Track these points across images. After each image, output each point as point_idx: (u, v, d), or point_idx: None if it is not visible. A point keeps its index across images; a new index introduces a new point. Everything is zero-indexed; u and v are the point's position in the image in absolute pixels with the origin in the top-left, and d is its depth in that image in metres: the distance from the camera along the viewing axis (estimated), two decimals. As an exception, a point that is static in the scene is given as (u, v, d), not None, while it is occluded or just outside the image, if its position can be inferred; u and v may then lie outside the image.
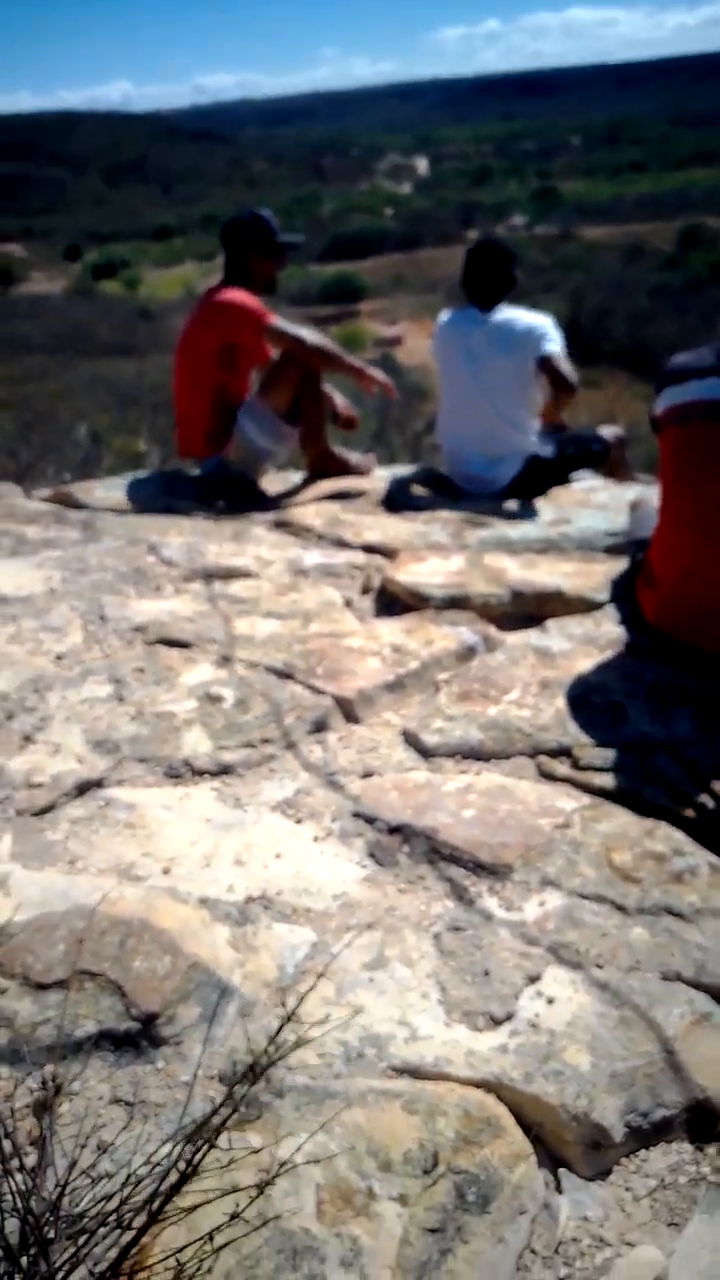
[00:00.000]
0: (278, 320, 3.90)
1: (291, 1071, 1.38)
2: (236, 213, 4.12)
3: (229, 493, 3.93)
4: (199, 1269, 1.07)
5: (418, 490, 3.94)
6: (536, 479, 3.82)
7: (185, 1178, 1.09)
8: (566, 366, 3.69)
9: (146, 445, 7.74)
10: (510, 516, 3.55)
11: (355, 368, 4.06)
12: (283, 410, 4.00)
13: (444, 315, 3.95)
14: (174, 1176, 1.09)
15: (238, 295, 3.90)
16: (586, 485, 3.85)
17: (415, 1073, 1.41)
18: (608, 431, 4.14)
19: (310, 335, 3.97)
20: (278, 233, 4.01)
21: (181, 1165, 1.09)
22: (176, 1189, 1.09)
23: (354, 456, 4.24)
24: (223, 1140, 1.18)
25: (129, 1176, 1.10)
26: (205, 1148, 1.11)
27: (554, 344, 3.68)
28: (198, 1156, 1.10)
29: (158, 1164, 1.11)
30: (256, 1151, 1.20)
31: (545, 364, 3.66)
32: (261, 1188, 1.11)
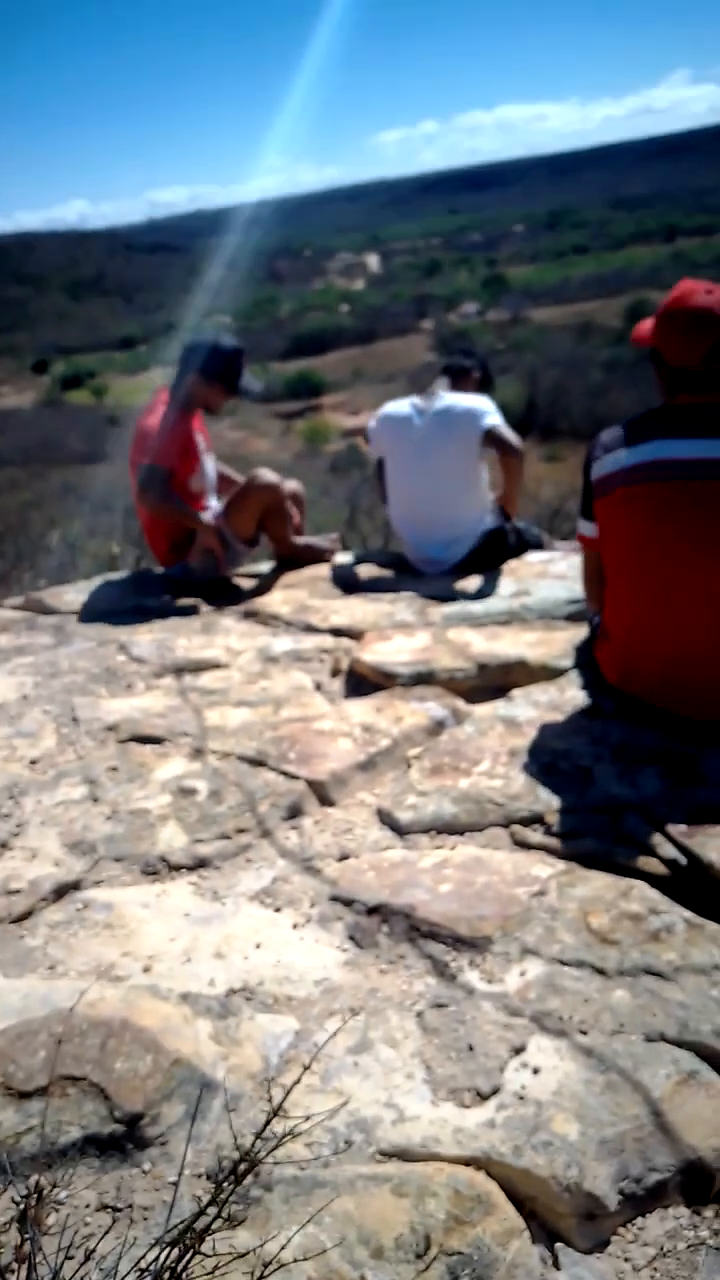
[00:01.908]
0: (151, 475, 3.84)
1: (279, 1164, 1.36)
2: (198, 334, 4.14)
3: (198, 588, 3.98)
4: None
5: (381, 572, 4.01)
6: (492, 552, 3.90)
7: (172, 1285, 1.07)
8: (509, 434, 3.80)
9: (120, 548, 7.80)
10: (472, 592, 3.61)
11: (193, 522, 4.00)
12: (245, 536, 4.08)
13: (385, 408, 4.05)
14: (162, 1283, 1.07)
15: (151, 427, 3.92)
16: (544, 557, 3.92)
17: (404, 1155, 1.39)
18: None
19: (160, 502, 3.90)
20: (226, 369, 4.01)
21: (166, 1275, 1.08)
22: (164, 1296, 1.07)
23: (320, 541, 4.31)
24: (217, 1236, 1.17)
25: (117, 1285, 1.08)
26: (190, 1254, 1.10)
27: (493, 417, 3.80)
28: (182, 1263, 1.08)
29: (146, 1269, 1.09)
30: (243, 1255, 1.17)
31: (489, 436, 3.77)
32: (251, 1287, 1.09)
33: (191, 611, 3.75)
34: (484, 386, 4.18)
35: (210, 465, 4.21)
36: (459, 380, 4.08)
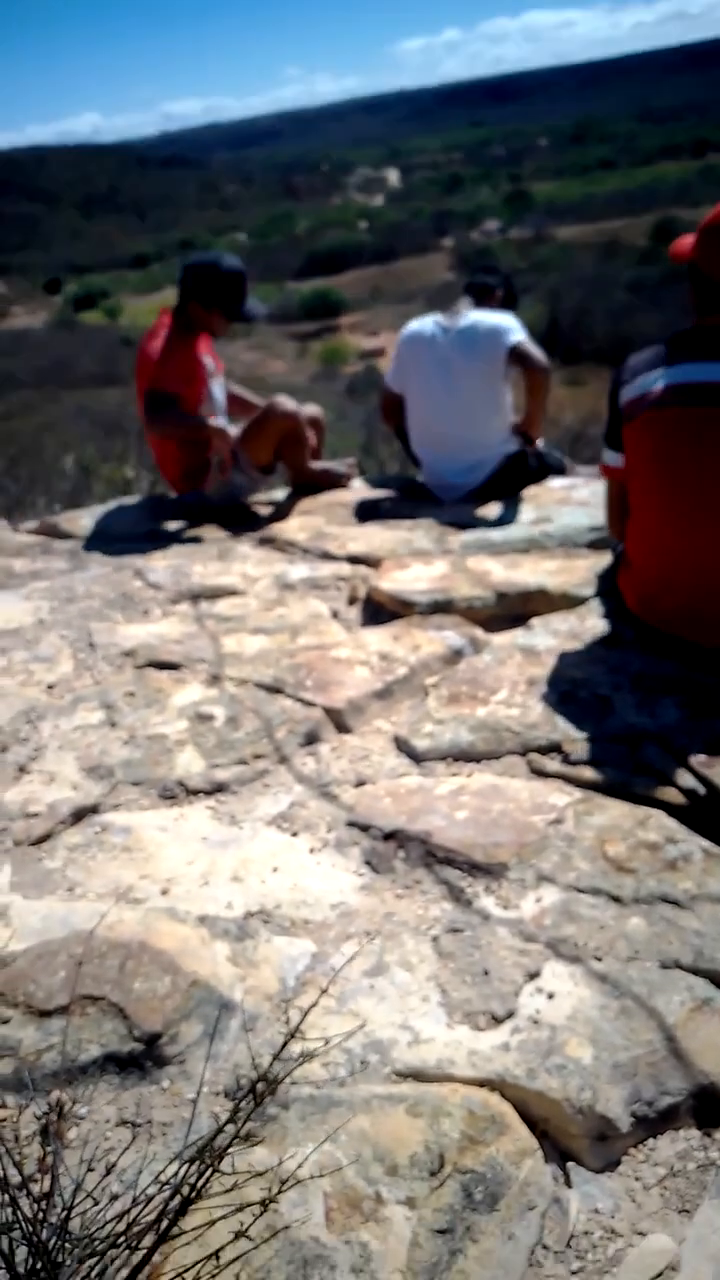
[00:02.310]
0: (157, 398, 3.77)
1: (296, 1084, 1.39)
2: (198, 255, 4.03)
3: (214, 515, 3.94)
4: (210, 1285, 1.08)
5: (401, 498, 3.96)
6: (513, 477, 3.84)
7: (189, 1200, 1.09)
8: (535, 350, 3.72)
9: (134, 471, 7.75)
10: (492, 519, 3.56)
11: (203, 432, 3.92)
12: (262, 463, 4.01)
13: (409, 327, 3.96)
14: (179, 1199, 1.09)
15: (153, 351, 3.83)
16: (566, 483, 3.86)
17: (419, 1076, 1.41)
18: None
19: (172, 424, 3.84)
20: (228, 293, 3.90)
21: (185, 1189, 1.10)
22: (182, 1211, 1.09)
23: (336, 465, 4.25)
24: (235, 1153, 1.19)
25: (137, 1197, 1.10)
26: (209, 1171, 1.11)
27: (518, 334, 3.72)
28: (201, 1180, 1.10)
29: (166, 1183, 1.11)
30: (262, 1174, 1.20)
31: (514, 353, 3.69)
32: (265, 1204, 1.11)
33: (207, 538, 3.72)
34: (508, 305, 4.08)
35: (219, 389, 4.11)
36: (483, 299, 3.98)
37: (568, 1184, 1.33)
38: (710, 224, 2.25)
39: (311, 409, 4.25)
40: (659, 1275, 1.21)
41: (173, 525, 3.87)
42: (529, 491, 3.81)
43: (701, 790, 1.98)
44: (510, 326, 3.73)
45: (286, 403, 4.00)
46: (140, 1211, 1.09)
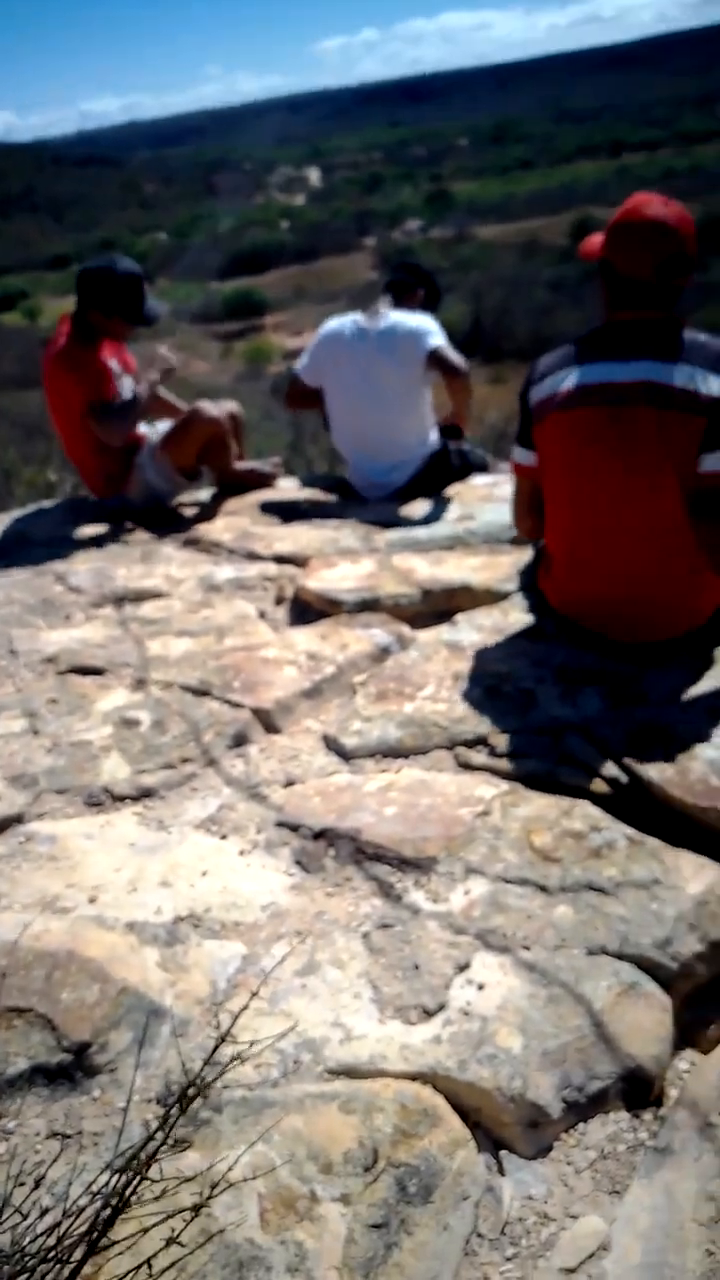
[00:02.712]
0: (101, 409, 3.75)
1: (228, 1087, 1.38)
2: (93, 261, 3.88)
3: (137, 517, 3.90)
4: (144, 1294, 1.07)
5: (325, 497, 3.96)
6: (437, 475, 3.87)
7: (118, 1210, 1.08)
8: (453, 355, 3.74)
9: (57, 475, 7.63)
10: (417, 518, 3.58)
11: (149, 406, 3.97)
12: (185, 467, 3.97)
13: (327, 326, 3.94)
14: (109, 1209, 1.08)
15: (71, 362, 3.75)
16: (489, 480, 3.90)
17: (351, 1073, 1.42)
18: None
19: (118, 431, 3.81)
20: (125, 297, 3.79)
21: (114, 1199, 1.09)
22: (111, 1221, 1.08)
23: (262, 465, 4.23)
24: (166, 1159, 1.18)
25: (68, 1209, 1.09)
26: (137, 1180, 1.10)
27: (437, 337, 3.73)
28: (129, 1189, 1.09)
29: (97, 1194, 1.10)
30: (192, 1179, 1.19)
31: (433, 358, 3.71)
32: (197, 1209, 1.11)
33: (130, 540, 3.68)
34: (430, 302, 4.09)
35: (128, 390, 4.04)
36: (403, 298, 3.99)
37: (501, 1172, 1.34)
38: (619, 221, 2.29)
39: (229, 405, 4.21)
40: (591, 1256, 1.23)
41: (95, 528, 3.82)
42: (453, 489, 3.84)
43: (624, 779, 2.01)
44: (428, 329, 3.74)
45: (210, 408, 3.96)
46: (71, 1224, 1.07)
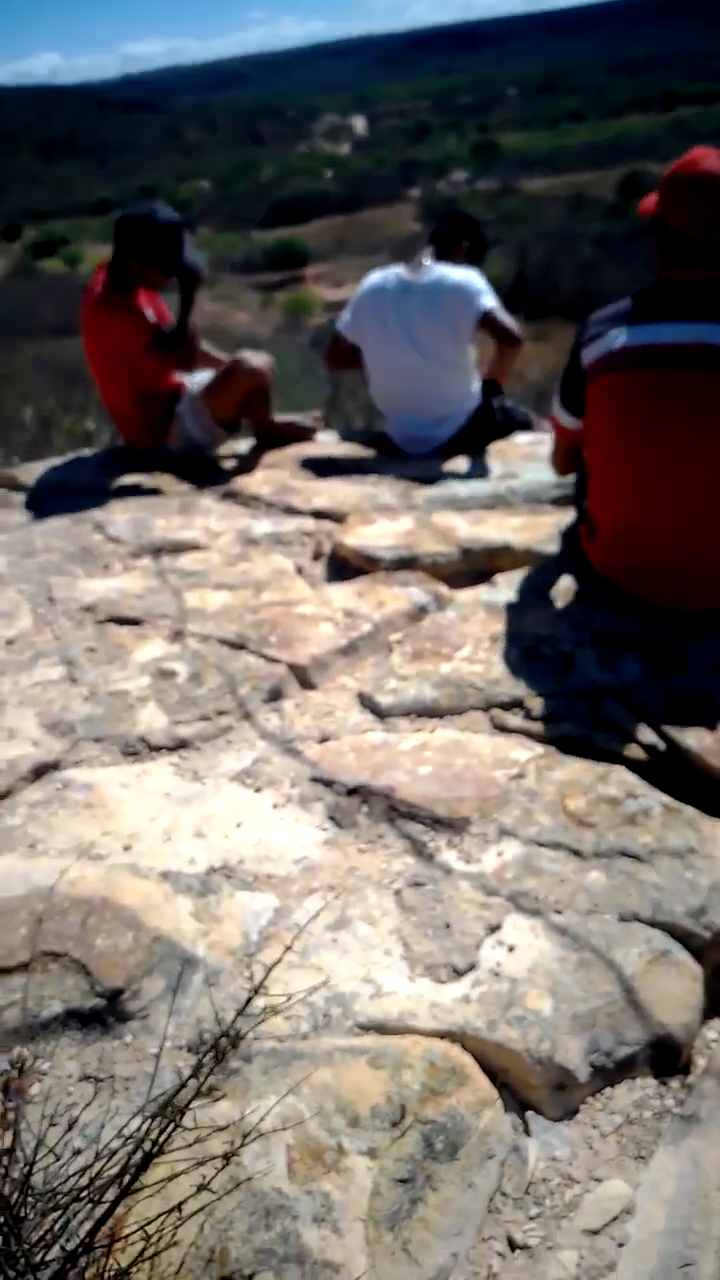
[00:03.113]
0: (159, 340, 3.71)
1: (259, 1038, 1.39)
2: (133, 208, 3.82)
3: (176, 468, 3.89)
4: (172, 1237, 1.08)
5: (364, 452, 3.92)
6: (479, 432, 3.81)
7: (151, 1155, 1.09)
8: (507, 319, 3.67)
9: (95, 424, 7.63)
10: (457, 475, 3.54)
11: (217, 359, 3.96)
12: (225, 419, 3.94)
13: (369, 279, 3.86)
14: (142, 1154, 1.09)
15: (118, 319, 3.71)
16: (532, 438, 3.85)
17: (380, 1028, 1.42)
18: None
19: (179, 355, 3.76)
20: (167, 245, 3.71)
21: (148, 1144, 1.10)
22: (144, 1166, 1.10)
23: (301, 419, 4.20)
24: (195, 1108, 1.19)
25: (100, 1152, 1.10)
26: (172, 1126, 1.12)
27: (489, 297, 3.65)
28: (164, 1135, 1.11)
29: (129, 1138, 1.12)
30: (224, 1128, 1.20)
31: (486, 320, 3.64)
32: (228, 1157, 1.12)
33: (169, 491, 3.67)
34: (476, 255, 3.99)
35: None
36: (448, 250, 3.90)
37: (526, 1133, 1.35)
38: (672, 176, 2.23)
39: (262, 358, 4.15)
40: (614, 1219, 1.24)
41: (133, 478, 3.81)
42: (495, 447, 3.79)
43: (661, 746, 1.99)
44: (478, 288, 3.64)
45: (253, 359, 3.92)
46: (103, 1166, 1.09)
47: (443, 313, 3.63)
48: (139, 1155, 1.10)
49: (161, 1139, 1.08)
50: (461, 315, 3.62)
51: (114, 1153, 1.10)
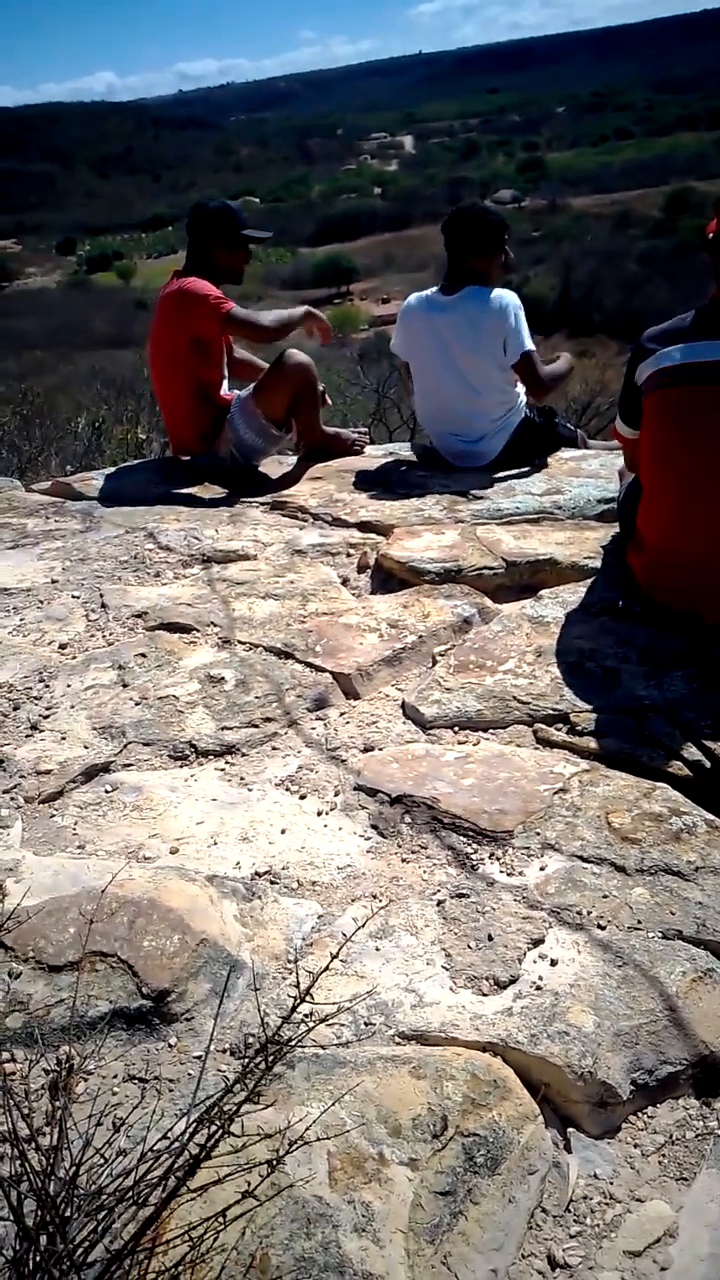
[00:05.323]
0: (236, 309, 3.79)
1: (302, 1045, 1.40)
2: (203, 200, 4.01)
3: (225, 478, 3.93)
4: (214, 1241, 1.09)
5: (412, 466, 3.94)
6: (525, 447, 3.80)
7: (198, 1160, 1.10)
8: (542, 369, 3.65)
9: (146, 434, 7.73)
10: (503, 488, 3.54)
11: (304, 320, 3.99)
12: (275, 417, 3.97)
13: (410, 301, 3.86)
14: (188, 1157, 1.10)
15: (196, 285, 3.79)
16: (577, 454, 3.84)
17: (422, 1038, 1.42)
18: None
19: (267, 318, 3.86)
20: (245, 225, 3.91)
21: (194, 1149, 1.11)
22: (192, 1170, 1.10)
23: (349, 433, 4.23)
24: (242, 1115, 1.20)
25: (145, 1154, 1.11)
26: (220, 1132, 1.12)
27: (524, 341, 3.60)
28: (211, 1141, 1.11)
29: (174, 1140, 1.12)
30: (269, 1136, 1.21)
31: (523, 363, 3.63)
32: (273, 1165, 1.12)
33: (219, 502, 3.71)
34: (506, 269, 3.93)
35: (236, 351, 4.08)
36: (481, 265, 3.81)
37: (568, 1149, 1.34)
38: None
39: (305, 356, 4.17)
40: (656, 1241, 1.23)
41: (185, 489, 3.86)
42: (541, 462, 3.78)
43: (707, 763, 1.98)
44: (514, 326, 3.57)
45: (300, 354, 3.96)
46: (148, 1168, 1.10)
47: (479, 339, 3.60)
48: (185, 1159, 1.10)
49: (210, 1145, 1.09)
50: (497, 341, 3.59)
51: (158, 1156, 1.10)
